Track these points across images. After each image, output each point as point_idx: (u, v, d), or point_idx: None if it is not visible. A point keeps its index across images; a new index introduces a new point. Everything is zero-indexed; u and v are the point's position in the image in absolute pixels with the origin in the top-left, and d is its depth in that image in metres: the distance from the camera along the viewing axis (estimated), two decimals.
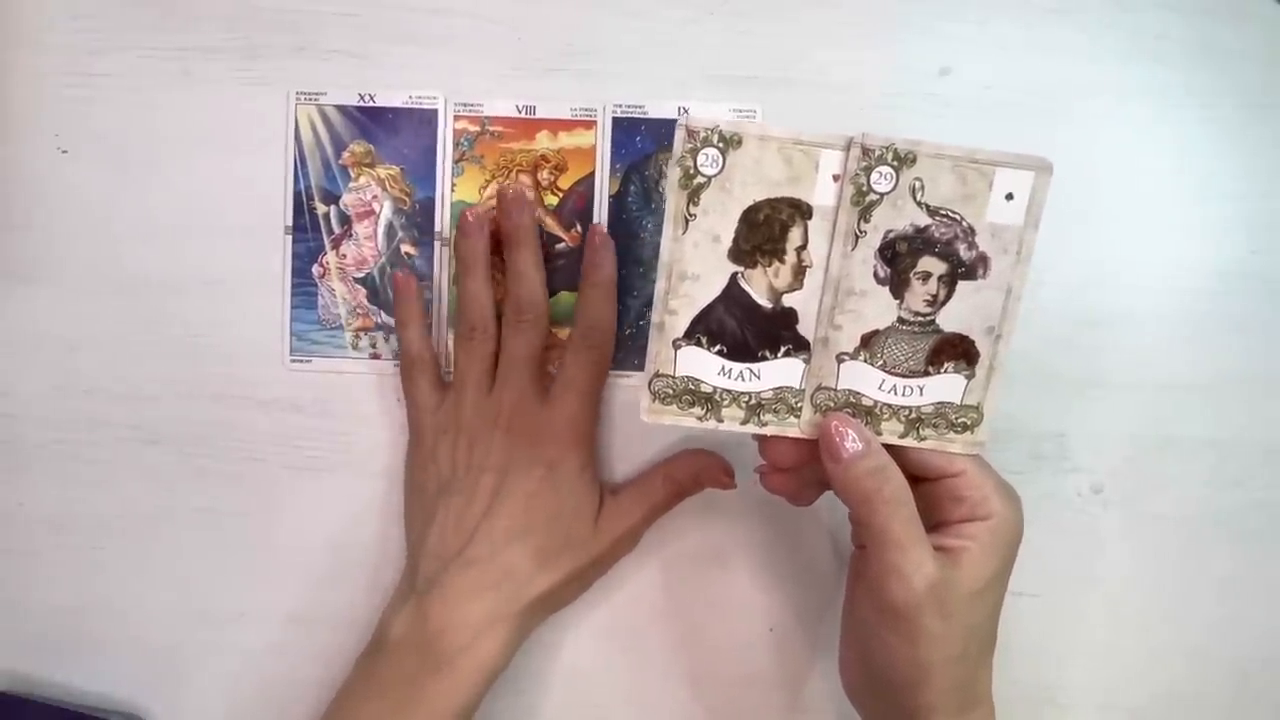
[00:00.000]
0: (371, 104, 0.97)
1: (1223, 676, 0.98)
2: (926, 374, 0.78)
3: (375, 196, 0.97)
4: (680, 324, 0.76)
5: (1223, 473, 0.97)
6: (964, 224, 0.75)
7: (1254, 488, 0.96)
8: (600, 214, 0.96)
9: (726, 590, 0.98)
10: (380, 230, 0.97)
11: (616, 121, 0.96)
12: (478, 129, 0.96)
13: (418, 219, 0.97)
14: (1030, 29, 0.95)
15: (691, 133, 0.73)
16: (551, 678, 0.99)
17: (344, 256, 0.98)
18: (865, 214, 0.74)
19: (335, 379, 0.98)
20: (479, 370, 0.93)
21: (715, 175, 0.73)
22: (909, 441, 0.79)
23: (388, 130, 0.97)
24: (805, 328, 0.77)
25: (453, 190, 0.97)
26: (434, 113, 0.96)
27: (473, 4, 0.96)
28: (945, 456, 0.79)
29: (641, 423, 0.80)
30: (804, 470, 0.82)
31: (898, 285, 0.76)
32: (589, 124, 0.96)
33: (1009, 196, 0.74)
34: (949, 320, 0.77)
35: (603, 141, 0.96)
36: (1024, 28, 0.95)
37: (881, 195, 0.74)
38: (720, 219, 0.74)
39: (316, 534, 0.99)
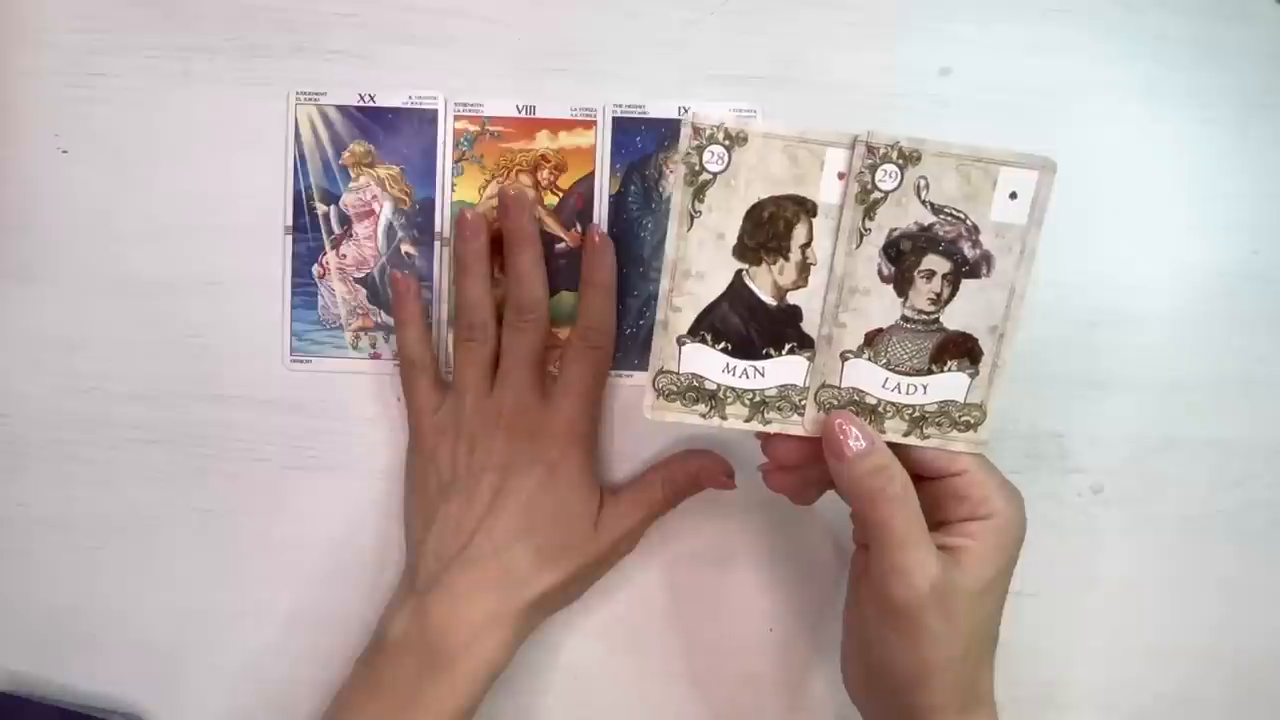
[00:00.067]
0: (371, 104, 0.96)
1: (1223, 676, 0.98)
2: (930, 372, 0.78)
3: (375, 196, 0.97)
4: (685, 321, 0.77)
5: (1223, 473, 0.97)
6: (968, 222, 0.75)
7: (1255, 488, 0.97)
8: (600, 214, 0.96)
9: (727, 590, 0.98)
10: (380, 230, 0.97)
11: (617, 121, 0.96)
12: (478, 129, 0.96)
13: (418, 219, 0.97)
14: (1030, 29, 0.95)
15: (697, 130, 0.73)
16: (551, 678, 0.99)
17: (344, 256, 0.97)
18: (870, 212, 0.74)
19: (335, 379, 0.98)
20: (479, 371, 0.93)
21: (720, 172, 0.73)
22: (912, 440, 0.79)
23: (388, 130, 0.97)
24: (809, 325, 0.77)
25: (453, 190, 0.97)
26: (434, 113, 0.96)
27: (473, 4, 0.96)
28: (948, 455, 0.79)
29: (642, 423, 0.80)
30: (807, 468, 0.82)
31: (902, 283, 0.76)
32: (589, 124, 0.96)
33: (1013, 195, 0.74)
34: (953, 319, 0.77)
35: (603, 141, 0.96)
36: (1024, 28, 0.95)
37: (886, 193, 0.74)
38: (725, 216, 0.74)
39: (316, 534, 0.99)
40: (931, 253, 0.75)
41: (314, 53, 0.97)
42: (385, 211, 0.97)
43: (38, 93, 0.97)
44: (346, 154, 0.97)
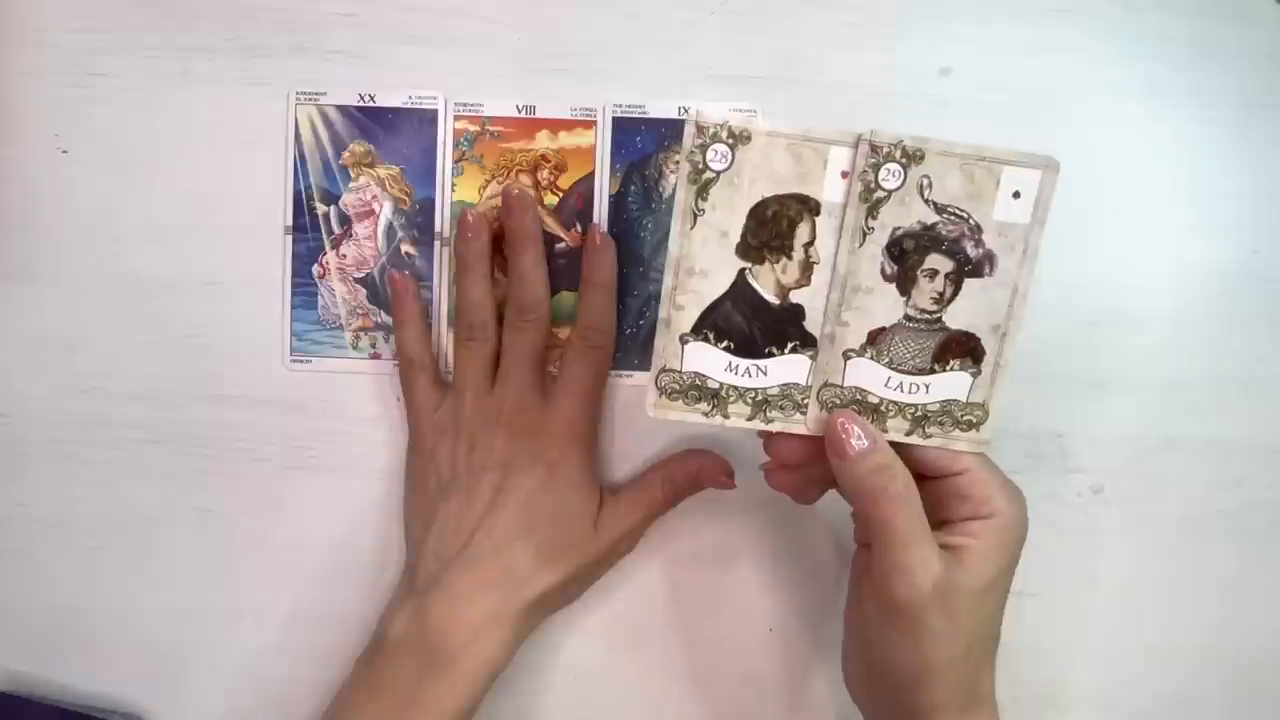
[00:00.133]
0: (371, 104, 0.96)
1: (1223, 676, 0.98)
2: (933, 371, 0.78)
3: (375, 196, 0.97)
4: (687, 319, 0.77)
5: (1223, 473, 0.97)
6: (971, 222, 0.75)
7: (1255, 488, 0.97)
8: (600, 214, 0.96)
9: (727, 589, 0.99)
10: (380, 230, 0.97)
11: (617, 121, 0.96)
12: (477, 129, 0.96)
13: (418, 219, 0.97)
14: (1030, 29, 0.95)
15: (701, 128, 0.73)
16: (551, 678, 0.99)
17: (344, 256, 0.97)
18: (873, 211, 0.74)
19: (335, 379, 0.98)
20: (479, 370, 0.93)
21: (724, 171, 0.73)
22: (914, 439, 0.79)
23: (388, 130, 0.97)
24: (812, 324, 0.77)
25: (453, 190, 0.97)
26: (434, 113, 0.96)
27: (473, 4, 0.96)
28: (950, 454, 0.79)
29: (643, 422, 0.81)
30: (809, 467, 0.82)
31: (905, 282, 0.76)
32: (589, 124, 0.96)
33: (1016, 195, 0.74)
34: (955, 318, 0.77)
35: (603, 141, 0.96)
36: (1024, 28, 0.95)
37: (889, 192, 0.74)
38: (728, 214, 0.74)
39: (316, 534, 0.99)
40: (934, 252, 0.75)
41: (314, 53, 0.97)
42: (385, 211, 0.97)
43: (38, 93, 0.97)
44: (346, 154, 0.97)
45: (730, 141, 0.73)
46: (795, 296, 0.76)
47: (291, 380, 0.98)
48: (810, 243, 0.75)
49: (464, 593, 0.87)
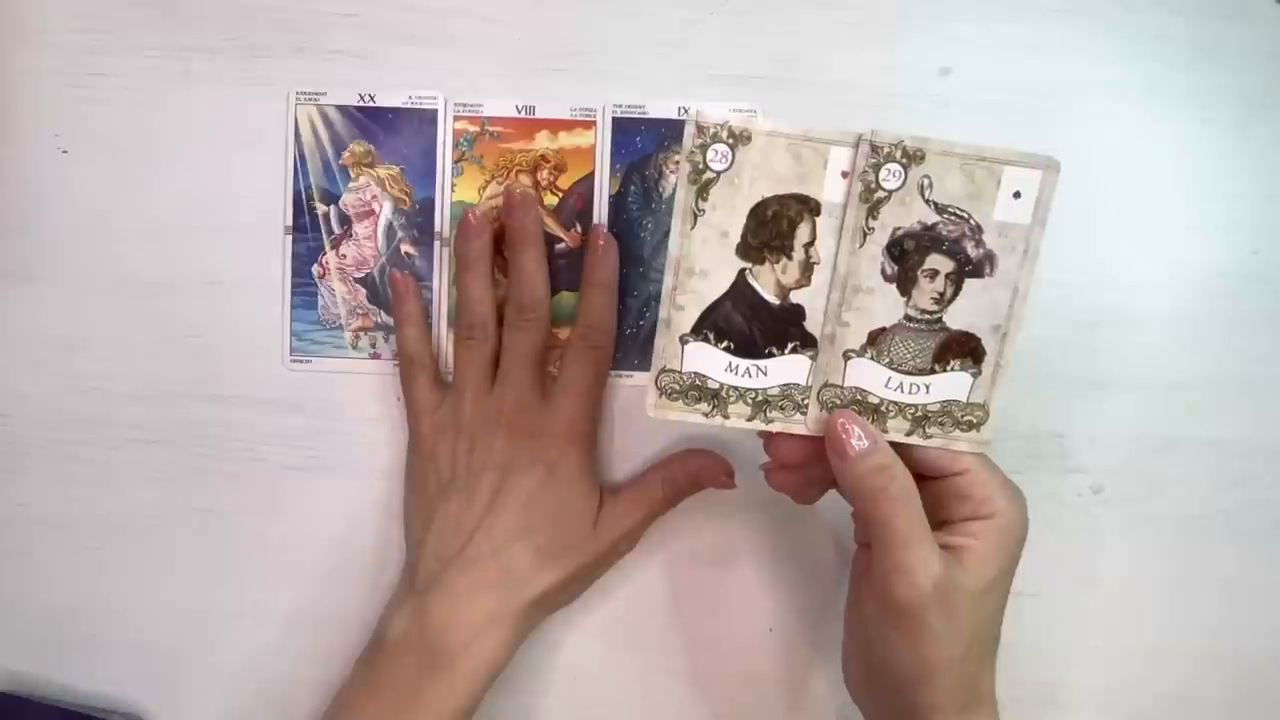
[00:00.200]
0: (371, 104, 0.96)
1: (1223, 676, 0.98)
2: (933, 372, 0.78)
3: (375, 196, 0.97)
4: (687, 320, 0.77)
5: (1223, 473, 0.97)
6: (971, 222, 0.75)
7: (1255, 488, 0.97)
8: (600, 214, 0.96)
9: (727, 589, 0.99)
10: (380, 230, 0.97)
11: (617, 122, 0.96)
12: (477, 129, 0.96)
13: (418, 219, 0.97)
14: (1030, 29, 0.95)
15: (701, 128, 0.73)
16: (551, 677, 0.99)
17: (344, 256, 0.97)
18: (873, 211, 0.74)
19: (335, 379, 0.98)
20: (479, 370, 0.93)
21: (724, 171, 0.73)
22: (915, 439, 0.79)
23: (388, 130, 0.97)
24: (812, 324, 0.77)
25: (452, 190, 0.97)
26: (434, 113, 0.96)
27: (473, 4, 0.96)
28: (950, 455, 0.79)
29: (643, 422, 0.81)
30: (809, 468, 0.82)
31: (905, 283, 0.76)
32: (588, 124, 0.96)
33: (1016, 195, 0.74)
34: (956, 318, 0.77)
35: (603, 141, 0.96)
36: (1024, 28, 0.95)
37: (890, 192, 0.74)
38: (729, 215, 0.74)
39: (316, 534, 0.99)
40: (935, 252, 0.75)
41: (314, 53, 0.97)
42: (385, 211, 0.97)
43: (38, 93, 0.97)
44: (346, 154, 0.97)
45: (730, 141, 0.73)
46: (795, 297, 0.76)
47: (291, 380, 0.98)
48: (810, 243, 0.75)
49: (464, 593, 0.87)
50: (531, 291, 0.92)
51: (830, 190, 0.74)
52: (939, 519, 0.78)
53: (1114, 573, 0.98)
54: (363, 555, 0.99)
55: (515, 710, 0.99)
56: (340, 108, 0.97)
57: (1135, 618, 0.98)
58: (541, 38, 0.96)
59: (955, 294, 0.76)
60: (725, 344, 0.77)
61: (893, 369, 0.78)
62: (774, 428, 0.79)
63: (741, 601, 0.98)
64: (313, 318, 0.98)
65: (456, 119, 0.96)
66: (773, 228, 0.75)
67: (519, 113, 0.96)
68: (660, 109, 0.96)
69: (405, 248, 0.97)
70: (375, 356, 0.98)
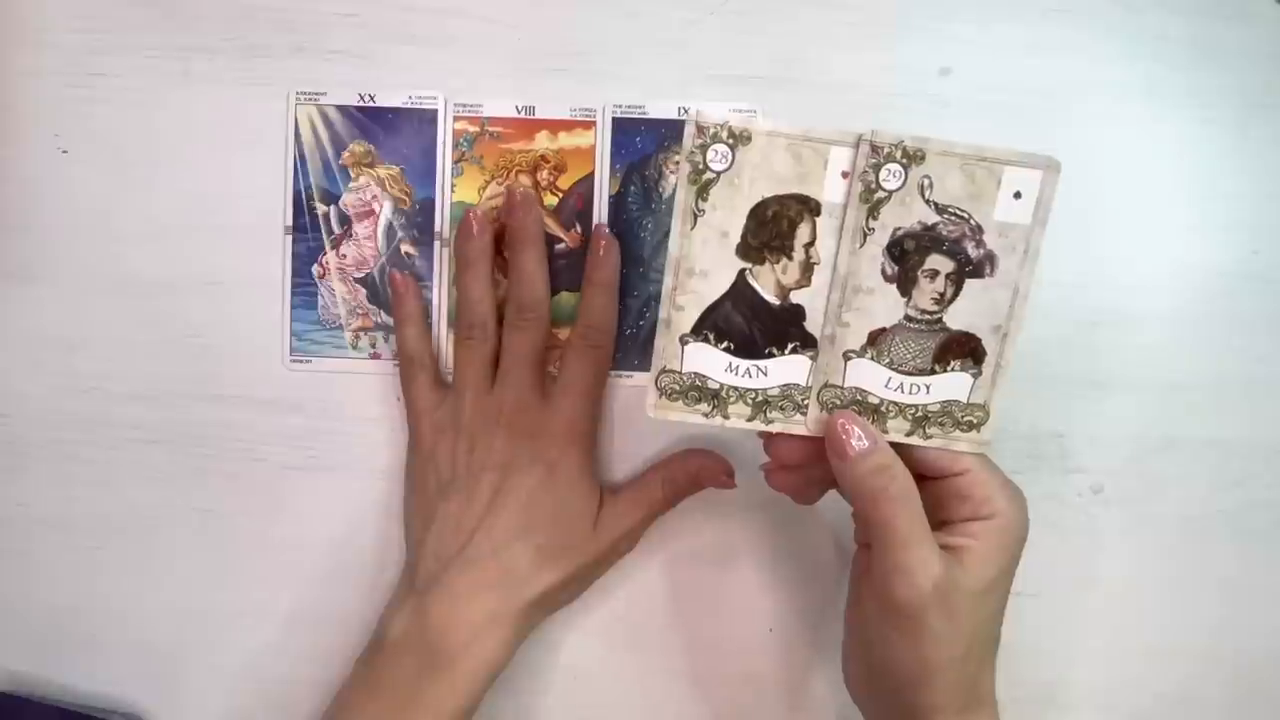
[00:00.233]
0: (371, 104, 0.96)
1: (1223, 676, 0.98)
2: (933, 372, 0.78)
3: (375, 196, 0.97)
4: (688, 320, 0.77)
5: (1224, 473, 0.97)
6: (972, 222, 0.75)
7: (1255, 488, 0.97)
8: (600, 215, 0.96)
9: (727, 589, 0.99)
10: (380, 230, 0.97)
11: (617, 122, 0.96)
12: (477, 129, 0.96)
13: (418, 219, 0.97)
14: (1030, 29, 0.95)
15: (701, 128, 0.73)
16: (551, 677, 0.99)
17: (344, 256, 0.97)
18: (874, 211, 0.74)
19: (335, 379, 0.98)
20: (479, 370, 0.93)
21: (724, 171, 0.73)
22: (915, 440, 0.79)
23: (388, 130, 0.97)
24: (813, 325, 0.77)
25: (452, 191, 0.97)
26: (434, 113, 0.96)
27: (473, 4, 0.96)
28: (950, 455, 0.79)
29: (643, 422, 0.80)
30: (810, 468, 0.82)
31: (905, 283, 0.76)
32: (588, 124, 0.96)
33: (1017, 195, 0.74)
34: (956, 318, 0.77)
35: (602, 141, 0.96)
36: (1024, 28, 0.95)
37: (890, 193, 0.74)
38: (729, 215, 0.74)
39: (316, 534, 0.99)
40: (935, 252, 0.75)
41: (314, 53, 0.97)
42: (385, 211, 0.97)
43: (38, 93, 0.97)
44: (346, 154, 0.97)
45: (730, 142, 0.73)
46: (795, 297, 0.76)
47: (291, 380, 0.98)
48: (811, 243, 0.75)
49: (464, 593, 0.87)
50: (531, 291, 0.92)
51: (830, 190, 0.74)
52: (939, 519, 0.78)
53: (1114, 573, 0.98)
54: (363, 555, 0.99)
55: (515, 710, 0.99)
56: (340, 108, 0.97)
57: (1135, 618, 0.98)
58: (541, 38, 0.96)
59: (955, 294, 0.76)
60: (725, 344, 0.77)
61: (893, 369, 0.78)
62: (774, 428, 0.79)
63: (741, 601, 0.98)
64: (313, 318, 0.98)
65: (456, 119, 0.96)
66: (773, 228, 0.75)
67: (519, 113, 0.96)
68: (660, 109, 0.96)
69: (405, 248, 0.97)
70: (375, 356, 0.98)
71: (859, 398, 0.78)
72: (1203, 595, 0.98)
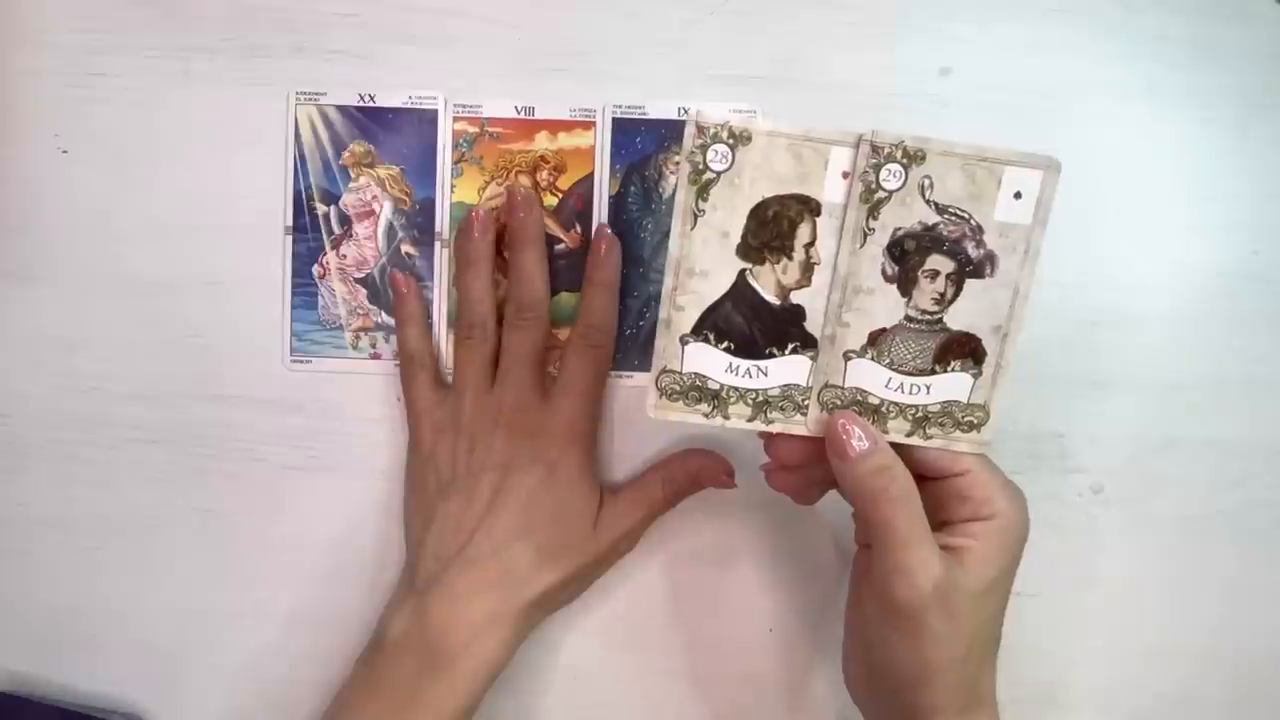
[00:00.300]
0: (371, 104, 0.96)
1: (1223, 676, 0.98)
2: (934, 372, 0.78)
3: (375, 197, 0.97)
4: (688, 320, 0.76)
5: (1224, 473, 0.97)
6: (972, 222, 0.75)
7: (1255, 488, 0.97)
8: (600, 215, 0.96)
9: (727, 589, 0.99)
10: (380, 230, 0.97)
11: (616, 122, 0.96)
12: (477, 130, 0.96)
13: (418, 219, 0.97)
14: (1030, 29, 0.95)
15: (701, 129, 0.73)
16: (551, 677, 0.99)
17: (344, 257, 0.97)
18: (874, 211, 0.74)
19: (335, 379, 0.98)
20: (479, 370, 0.93)
21: (724, 171, 0.73)
22: (915, 440, 0.79)
23: (388, 130, 0.97)
24: (813, 325, 0.77)
25: (452, 191, 0.97)
26: (434, 113, 0.96)
27: (473, 4, 0.96)
28: (951, 455, 0.79)
29: (643, 422, 0.80)
30: (810, 468, 0.82)
31: (906, 283, 0.76)
32: (588, 124, 0.96)
33: (1017, 195, 0.74)
34: (956, 319, 0.77)
35: (602, 142, 0.96)
36: (1024, 28, 0.95)
37: (890, 193, 0.74)
38: (729, 215, 0.74)
39: (316, 534, 0.99)
40: (935, 252, 0.75)
41: (314, 53, 0.96)
42: (385, 211, 0.97)
43: (38, 93, 0.97)
44: (346, 154, 0.97)
45: (730, 142, 0.73)
46: (796, 297, 0.76)
47: (291, 380, 0.98)
48: (811, 243, 0.75)
49: (464, 592, 0.87)
50: (531, 290, 0.92)
51: (831, 190, 0.74)
52: (939, 520, 0.78)
53: (1114, 573, 0.98)
54: (363, 555, 0.99)
55: (515, 710, 0.99)
56: (340, 108, 0.96)
57: (1135, 618, 0.98)
58: (541, 38, 0.96)
59: (956, 294, 0.76)
60: (725, 344, 0.77)
61: (893, 369, 0.78)
62: (774, 428, 0.79)
63: (741, 601, 0.98)
64: (313, 318, 0.98)
65: (456, 119, 0.96)
66: (773, 228, 0.75)
67: (518, 113, 0.96)
68: (660, 109, 0.96)
69: (405, 248, 0.97)
70: (375, 356, 0.98)
71: (859, 398, 0.78)
72: (1203, 595, 0.98)
